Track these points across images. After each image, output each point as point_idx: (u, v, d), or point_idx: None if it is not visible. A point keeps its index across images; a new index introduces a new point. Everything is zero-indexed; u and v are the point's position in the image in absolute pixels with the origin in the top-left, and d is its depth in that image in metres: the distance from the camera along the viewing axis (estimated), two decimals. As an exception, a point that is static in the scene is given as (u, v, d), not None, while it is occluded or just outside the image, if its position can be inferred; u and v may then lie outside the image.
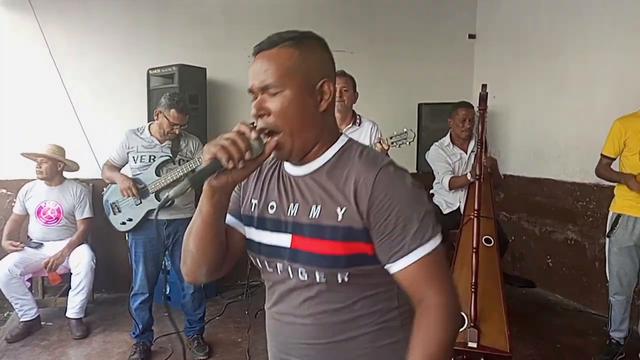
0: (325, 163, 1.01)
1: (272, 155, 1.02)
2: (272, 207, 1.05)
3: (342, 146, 1.03)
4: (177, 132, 2.92)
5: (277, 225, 1.03)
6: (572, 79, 4.03)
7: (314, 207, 0.99)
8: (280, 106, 0.95)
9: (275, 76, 0.95)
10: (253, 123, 0.98)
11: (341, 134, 1.06)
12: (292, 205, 1.02)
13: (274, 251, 1.03)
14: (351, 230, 0.95)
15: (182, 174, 2.87)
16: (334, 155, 1.02)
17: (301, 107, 0.97)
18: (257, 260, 1.09)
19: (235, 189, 1.12)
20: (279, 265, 1.03)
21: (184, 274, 1.10)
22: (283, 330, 1.08)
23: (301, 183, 1.03)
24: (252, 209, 1.09)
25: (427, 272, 0.93)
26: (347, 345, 1.02)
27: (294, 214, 1.01)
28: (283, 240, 1.02)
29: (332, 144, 1.03)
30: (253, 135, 0.93)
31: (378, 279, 0.99)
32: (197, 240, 1.03)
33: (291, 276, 1.02)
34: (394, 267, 0.94)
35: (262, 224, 1.06)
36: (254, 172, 1.10)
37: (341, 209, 0.96)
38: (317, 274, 0.98)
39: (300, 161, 1.03)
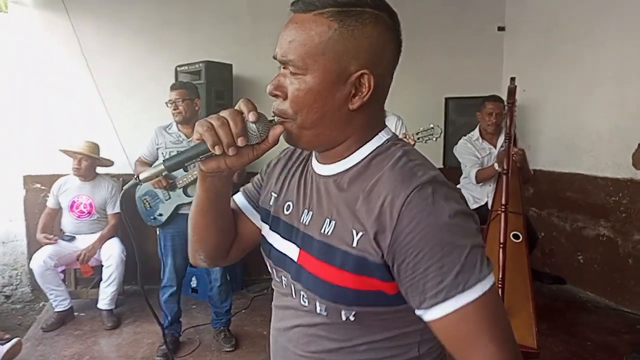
0: (353, 166, 0.81)
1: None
2: (288, 207, 0.89)
3: (377, 147, 0.81)
4: (179, 108, 2.96)
5: (289, 232, 0.87)
6: (605, 70, 3.91)
7: (327, 220, 0.80)
8: (297, 92, 0.76)
9: (298, 53, 0.75)
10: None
11: (382, 129, 0.84)
12: (306, 212, 0.85)
13: (282, 260, 0.88)
14: (365, 262, 0.74)
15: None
16: (364, 158, 0.81)
17: (322, 98, 0.76)
18: (267, 263, 0.95)
19: (261, 171, 1.00)
20: (284, 279, 0.88)
21: (189, 257, 1.01)
22: (278, 353, 0.93)
23: (322, 186, 0.84)
24: (270, 203, 0.94)
25: (474, 322, 0.70)
26: None
27: (306, 223, 0.84)
28: (292, 251, 0.86)
29: (365, 143, 0.82)
30: (251, 117, 0.77)
31: (394, 322, 0.80)
32: (192, 224, 0.94)
33: (294, 295, 0.86)
34: (426, 316, 0.73)
35: (276, 225, 0.91)
36: (284, 159, 0.96)
37: (357, 233, 0.75)
38: (317, 304, 0.81)
39: (327, 159, 0.84)
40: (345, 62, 0.75)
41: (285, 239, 0.88)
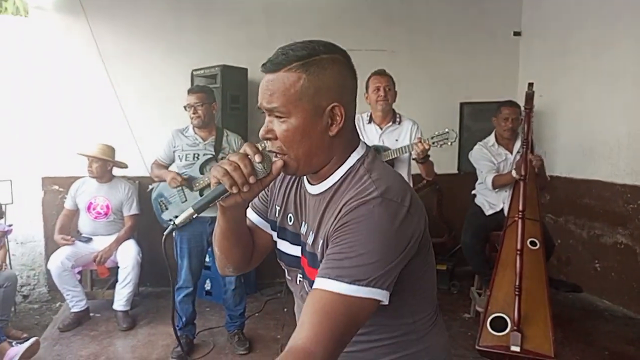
0: (332, 186, 0.98)
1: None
2: (290, 218, 1.08)
3: (349, 167, 0.97)
4: (198, 112, 2.99)
5: (294, 238, 1.06)
6: (624, 75, 3.86)
7: (311, 233, 0.99)
8: (286, 132, 0.92)
9: (280, 102, 0.91)
10: (264, 144, 0.99)
11: (355, 149, 0.99)
12: (303, 223, 1.04)
13: (293, 261, 1.07)
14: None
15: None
16: (340, 178, 0.97)
17: (307, 134, 0.92)
18: (281, 264, 1.13)
19: (265, 190, 1.12)
20: (299, 277, 1.06)
21: (218, 270, 1.17)
22: None
23: (311, 202, 1.02)
24: (276, 215, 1.11)
25: (326, 308, 0.83)
26: (361, 355, 1.00)
27: (303, 233, 1.03)
28: (299, 253, 1.05)
29: (342, 164, 0.98)
30: (257, 159, 0.92)
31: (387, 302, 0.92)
32: (219, 246, 1.09)
33: (307, 289, 1.02)
34: (314, 283, 0.88)
35: (283, 233, 1.09)
36: (279, 178, 1.10)
37: (321, 240, 0.95)
38: None
39: (315, 179, 1.01)
40: (318, 101, 0.92)
41: (294, 244, 1.06)
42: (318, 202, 1.00)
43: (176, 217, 3.00)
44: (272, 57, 0.93)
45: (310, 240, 0.99)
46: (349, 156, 0.98)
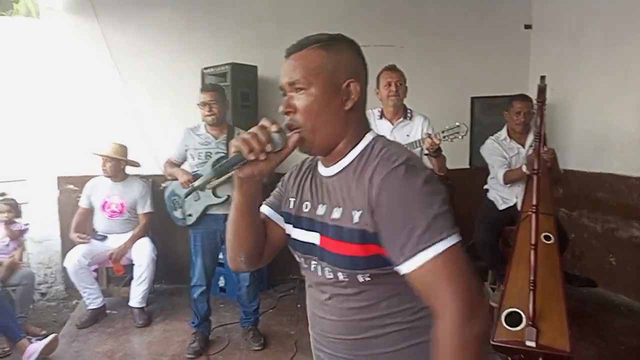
0: (349, 164, 1.03)
1: (308, 156, 1.10)
2: (306, 206, 1.11)
3: (366, 146, 1.04)
4: (213, 110, 3.01)
5: (311, 224, 1.09)
6: (636, 68, 3.81)
7: (335, 209, 1.02)
8: (305, 103, 0.99)
9: (302, 74, 0.99)
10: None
11: (368, 131, 1.07)
12: (320, 206, 1.07)
13: (309, 249, 1.09)
14: (365, 233, 0.96)
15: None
16: (357, 156, 1.03)
17: (325, 105, 1.00)
18: (295, 255, 1.15)
19: (279, 185, 1.22)
20: (313, 263, 1.09)
21: (228, 262, 1.19)
22: (317, 323, 1.13)
23: (329, 184, 1.07)
24: (291, 207, 1.15)
25: (437, 274, 0.89)
26: (375, 342, 1.03)
27: (322, 214, 1.06)
28: (315, 238, 1.07)
29: (357, 144, 1.04)
30: (274, 128, 0.97)
31: (400, 279, 0.95)
32: (233, 228, 1.11)
33: (320, 274, 1.07)
34: (402, 269, 0.92)
35: (299, 222, 1.12)
36: (295, 171, 1.19)
37: (357, 211, 0.97)
38: (339, 274, 1.02)
39: (329, 161, 1.07)
40: (336, 77, 1.01)
41: (309, 230, 1.09)
42: (338, 181, 1.04)
43: (190, 215, 3.07)
44: (296, 42, 1.03)
45: (335, 214, 1.01)
46: (364, 136, 1.05)
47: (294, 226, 1.13)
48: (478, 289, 0.92)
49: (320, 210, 1.06)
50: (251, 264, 1.17)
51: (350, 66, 1.03)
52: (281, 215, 1.17)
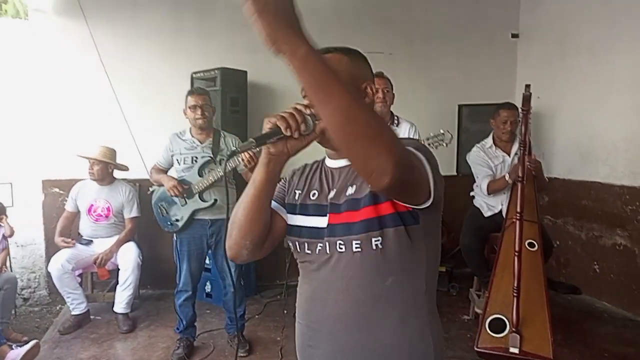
0: None
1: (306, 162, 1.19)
2: (314, 194, 1.20)
3: None
4: (205, 114, 3.01)
5: (318, 209, 1.16)
6: (621, 77, 3.88)
7: (350, 187, 1.12)
8: None
9: None
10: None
11: None
12: (331, 191, 1.16)
13: (315, 233, 1.15)
14: (378, 194, 1.07)
15: (222, 174, 2.94)
16: None
17: None
18: (298, 244, 1.19)
19: (281, 183, 1.28)
20: (319, 245, 1.14)
21: (228, 248, 1.18)
22: (316, 307, 1.16)
23: (342, 173, 1.17)
24: (296, 198, 1.22)
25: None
26: (376, 325, 1.09)
27: (332, 197, 1.15)
28: (322, 221, 1.14)
29: None
30: (308, 111, 1.04)
31: (409, 254, 1.08)
32: (247, 208, 1.13)
33: (328, 252, 1.12)
34: None
35: (305, 209, 1.19)
36: (299, 171, 1.28)
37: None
38: (353, 243, 1.08)
39: (340, 155, 1.15)
40: (357, 78, 1.15)
41: (315, 215, 1.16)
42: (348, 168, 1.15)
43: (177, 220, 3.05)
44: (320, 49, 1.10)
45: (350, 191, 1.11)
46: None
47: (299, 214, 1.20)
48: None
49: (331, 194, 1.15)
50: (254, 251, 1.18)
51: (366, 70, 1.19)
52: (284, 207, 1.23)
